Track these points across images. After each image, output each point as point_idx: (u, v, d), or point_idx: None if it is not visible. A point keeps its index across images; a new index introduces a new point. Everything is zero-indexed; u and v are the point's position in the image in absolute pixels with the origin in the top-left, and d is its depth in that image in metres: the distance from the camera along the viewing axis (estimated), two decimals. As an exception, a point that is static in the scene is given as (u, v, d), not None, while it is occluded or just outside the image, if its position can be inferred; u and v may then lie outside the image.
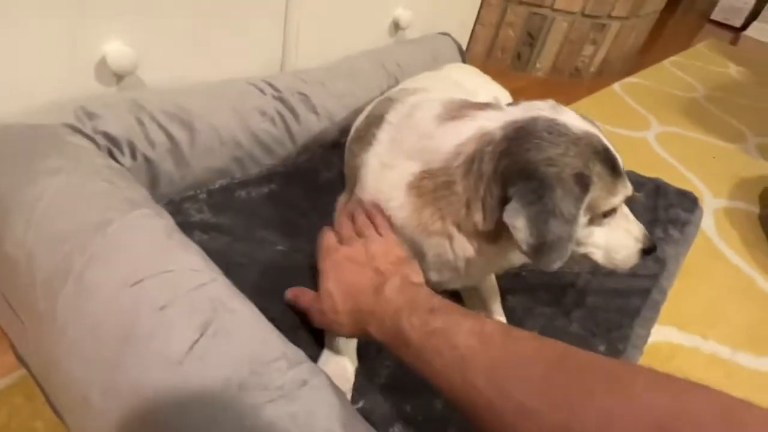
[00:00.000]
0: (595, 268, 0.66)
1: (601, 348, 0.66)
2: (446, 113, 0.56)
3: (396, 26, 1.12)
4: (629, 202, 0.55)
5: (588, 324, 0.69)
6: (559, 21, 1.74)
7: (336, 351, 0.54)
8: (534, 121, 0.49)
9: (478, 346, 0.37)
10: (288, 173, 0.82)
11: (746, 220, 1.30)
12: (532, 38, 1.78)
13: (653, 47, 2.64)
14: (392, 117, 0.61)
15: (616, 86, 1.95)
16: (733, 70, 2.60)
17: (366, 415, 0.49)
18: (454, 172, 0.51)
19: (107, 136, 0.60)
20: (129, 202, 0.50)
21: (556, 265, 0.47)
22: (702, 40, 3.05)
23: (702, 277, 1.05)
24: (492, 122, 0.51)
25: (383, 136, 0.59)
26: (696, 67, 2.48)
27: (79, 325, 0.40)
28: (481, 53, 1.84)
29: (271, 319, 0.57)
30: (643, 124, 1.68)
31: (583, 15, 1.74)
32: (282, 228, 0.71)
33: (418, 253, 0.57)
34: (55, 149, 0.52)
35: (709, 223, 1.23)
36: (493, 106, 0.55)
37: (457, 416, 0.53)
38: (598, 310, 0.72)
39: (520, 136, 0.48)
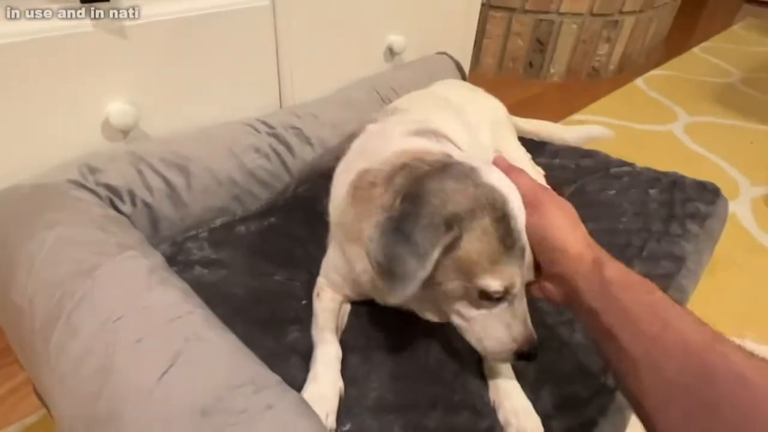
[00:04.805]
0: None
1: (607, 355, 0.63)
2: (415, 131, 0.59)
3: (391, 52, 1.16)
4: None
5: (592, 331, 0.66)
6: (567, 24, 1.72)
7: (316, 376, 0.55)
8: (461, 164, 0.49)
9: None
10: (287, 205, 0.85)
11: (791, 205, 1.20)
12: (541, 44, 1.76)
13: (683, 35, 2.53)
14: (368, 129, 0.66)
15: (638, 81, 1.88)
16: (774, 48, 2.44)
17: (352, 437, 0.49)
18: (379, 175, 0.53)
19: (108, 187, 0.66)
20: (118, 246, 0.54)
21: (397, 298, 0.46)
22: (739, 21, 2.89)
23: (739, 272, 0.98)
24: (436, 149, 0.52)
25: (353, 145, 0.65)
26: (731, 50, 2.35)
27: (65, 362, 0.44)
28: (492, 65, 1.85)
29: (264, 345, 0.60)
30: (668, 117, 1.61)
31: (592, 15, 1.71)
32: (279, 259, 0.74)
33: (351, 277, 0.59)
34: (56, 205, 0.57)
35: (746, 213, 1.15)
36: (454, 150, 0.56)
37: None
38: (604, 316, 0.68)
39: (438, 168, 0.49)
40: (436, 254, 0.43)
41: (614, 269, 0.44)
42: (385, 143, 0.57)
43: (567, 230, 0.45)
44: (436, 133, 0.60)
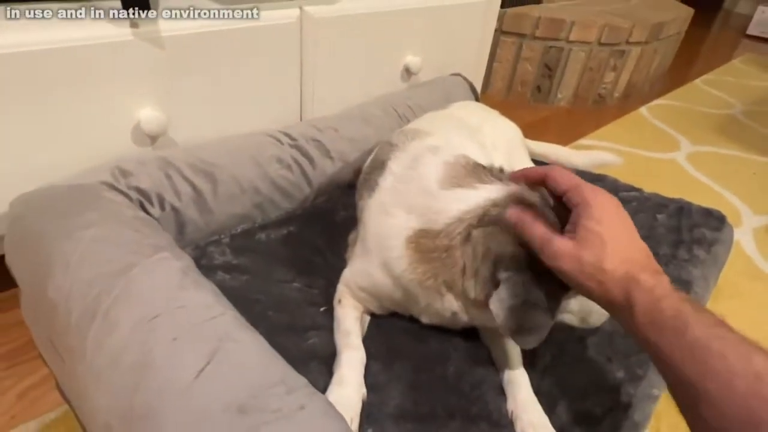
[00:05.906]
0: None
1: (620, 374, 0.64)
2: (451, 177, 0.58)
3: (408, 72, 1.19)
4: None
5: (604, 350, 0.67)
6: (576, 52, 1.77)
7: (340, 381, 0.56)
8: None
9: None
10: (306, 215, 0.87)
11: (793, 236, 1.23)
12: (550, 70, 1.81)
13: (685, 67, 2.60)
14: (394, 165, 0.64)
15: (643, 110, 1.93)
16: (773, 83, 2.50)
17: (372, 442, 0.50)
18: (455, 237, 0.54)
19: (139, 190, 0.68)
20: (152, 247, 0.56)
21: (532, 345, 0.49)
22: (739, 56, 2.97)
23: (742, 298, 0.99)
24: (499, 195, 0.54)
25: (385, 183, 0.63)
26: (731, 83, 2.41)
27: (102, 357, 0.45)
28: (501, 88, 1.89)
29: (284, 350, 0.62)
30: (672, 146, 1.65)
31: (600, 44, 1.76)
32: (298, 266, 0.76)
33: (412, 299, 0.60)
34: (90, 205, 0.59)
35: (749, 241, 1.17)
36: (496, 176, 0.58)
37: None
38: (614, 335, 0.70)
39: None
40: (560, 307, 0.49)
41: (643, 302, 0.42)
42: (432, 200, 0.57)
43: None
44: (466, 171, 0.59)
